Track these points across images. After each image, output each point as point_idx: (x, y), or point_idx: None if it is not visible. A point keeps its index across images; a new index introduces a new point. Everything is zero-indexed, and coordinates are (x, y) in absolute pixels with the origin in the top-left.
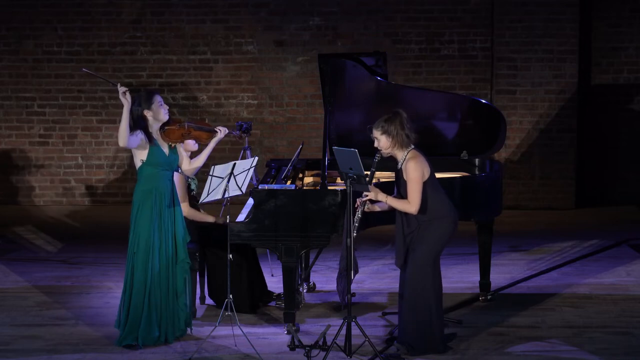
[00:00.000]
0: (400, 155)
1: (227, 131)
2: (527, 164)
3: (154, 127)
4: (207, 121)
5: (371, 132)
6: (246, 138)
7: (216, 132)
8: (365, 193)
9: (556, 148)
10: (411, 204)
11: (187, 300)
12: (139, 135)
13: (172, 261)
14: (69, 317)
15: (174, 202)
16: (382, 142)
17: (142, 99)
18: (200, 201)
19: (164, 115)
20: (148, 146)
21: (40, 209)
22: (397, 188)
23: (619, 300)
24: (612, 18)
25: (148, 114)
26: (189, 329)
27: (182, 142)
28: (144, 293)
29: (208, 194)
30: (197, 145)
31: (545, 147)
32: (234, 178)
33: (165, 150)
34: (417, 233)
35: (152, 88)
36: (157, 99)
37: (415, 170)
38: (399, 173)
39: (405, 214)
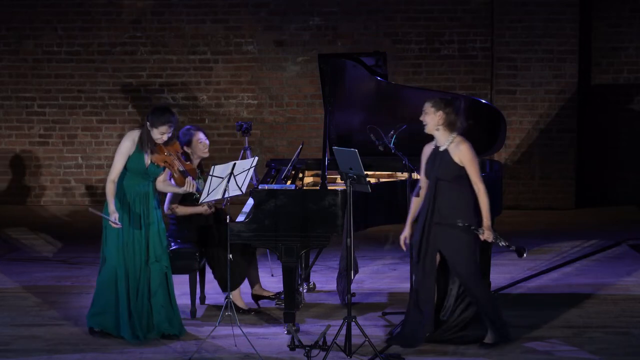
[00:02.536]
0: (444, 137)
1: (193, 188)
2: (527, 164)
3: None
4: (207, 122)
5: (370, 132)
6: (246, 138)
7: (184, 184)
8: (483, 238)
9: (556, 148)
10: (481, 187)
11: (164, 301)
12: (128, 144)
13: (144, 261)
14: (69, 317)
15: (148, 205)
16: (429, 117)
17: (155, 116)
18: (200, 201)
19: (159, 141)
20: (133, 149)
21: (40, 209)
22: (428, 171)
23: (619, 300)
24: (612, 18)
25: (150, 129)
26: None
27: (161, 167)
28: (114, 283)
29: (208, 194)
30: (207, 152)
31: (545, 147)
32: (234, 178)
33: (147, 161)
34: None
35: (166, 106)
36: (162, 129)
37: (471, 152)
38: (437, 155)
39: (434, 202)
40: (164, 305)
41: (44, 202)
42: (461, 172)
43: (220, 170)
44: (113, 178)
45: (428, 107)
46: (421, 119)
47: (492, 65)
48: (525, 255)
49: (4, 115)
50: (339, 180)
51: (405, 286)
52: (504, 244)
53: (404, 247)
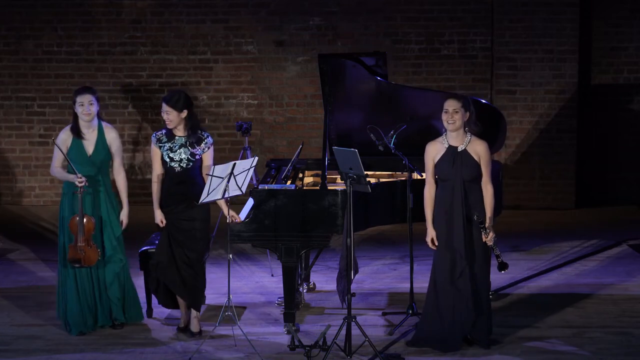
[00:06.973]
0: (462, 137)
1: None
2: (527, 164)
3: (82, 122)
4: (206, 121)
5: (370, 132)
6: (246, 138)
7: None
8: (489, 243)
9: (556, 148)
10: (491, 188)
11: (117, 293)
12: (62, 135)
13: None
14: None
15: (98, 199)
16: (459, 115)
17: (74, 95)
18: (200, 201)
19: (81, 115)
20: (70, 140)
21: (40, 209)
22: (445, 170)
23: (619, 300)
24: (612, 18)
25: (75, 109)
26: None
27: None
28: (65, 275)
29: (208, 194)
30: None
31: (545, 147)
32: (234, 178)
33: (89, 149)
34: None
35: (85, 86)
36: (80, 99)
37: (489, 152)
38: (457, 155)
39: (467, 202)
40: (120, 298)
41: (44, 202)
42: (480, 170)
43: (220, 170)
44: (54, 165)
45: (458, 106)
46: (449, 118)
47: (492, 65)
48: (503, 272)
49: (4, 115)
50: (339, 180)
51: (405, 286)
52: (497, 252)
53: (433, 248)
